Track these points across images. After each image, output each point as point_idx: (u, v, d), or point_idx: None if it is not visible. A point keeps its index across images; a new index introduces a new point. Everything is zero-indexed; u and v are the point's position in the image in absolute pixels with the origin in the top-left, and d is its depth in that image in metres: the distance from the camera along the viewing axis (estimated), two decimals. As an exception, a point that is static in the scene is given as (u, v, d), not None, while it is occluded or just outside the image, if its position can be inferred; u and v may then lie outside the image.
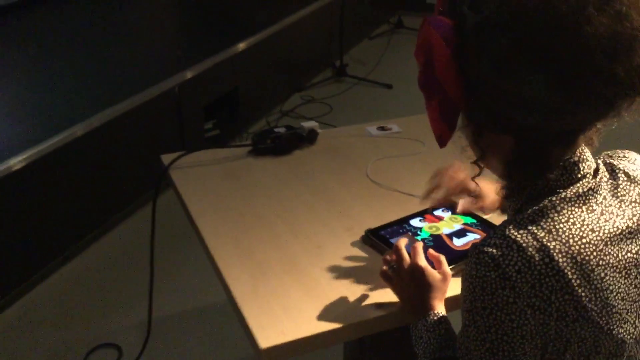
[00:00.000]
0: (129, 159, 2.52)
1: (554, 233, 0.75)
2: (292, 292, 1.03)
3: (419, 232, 1.17)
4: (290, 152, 1.52)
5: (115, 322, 1.97)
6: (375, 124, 1.68)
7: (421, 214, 1.21)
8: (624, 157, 0.88)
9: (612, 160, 0.87)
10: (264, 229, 1.21)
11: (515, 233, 0.75)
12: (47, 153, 2.02)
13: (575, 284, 0.74)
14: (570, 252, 0.75)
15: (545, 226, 0.76)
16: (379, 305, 1.01)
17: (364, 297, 1.02)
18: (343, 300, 1.02)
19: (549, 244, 0.74)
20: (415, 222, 1.20)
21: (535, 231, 0.75)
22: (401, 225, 1.18)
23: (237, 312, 1.01)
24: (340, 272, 1.09)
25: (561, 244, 0.75)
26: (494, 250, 0.74)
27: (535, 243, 0.74)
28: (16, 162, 1.92)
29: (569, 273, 0.74)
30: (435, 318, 0.93)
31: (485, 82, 0.74)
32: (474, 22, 0.74)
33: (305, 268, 1.09)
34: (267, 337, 0.94)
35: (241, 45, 3.06)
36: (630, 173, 0.85)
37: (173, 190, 1.41)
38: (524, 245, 0.74)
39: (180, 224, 1.52)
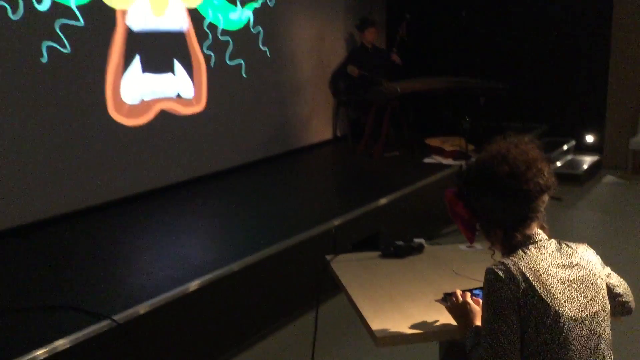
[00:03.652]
0: (296, 277, 3.50)
1: (523, 260, 1.57)
2: (409, 318, 1.87)
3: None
4: (404, 257, 2.39)
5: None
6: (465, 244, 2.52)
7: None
8: (572, 243, 1.68)
9: (562, 241, 1.66)
10: (389, 292, 2.07)
11: (505, 261, 1.58)
12: (233, 272, 3.02)
13: (532, 281, 1.53)
14: (530, 266, 1.55)
15: (517, 258, 1.58)
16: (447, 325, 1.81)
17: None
18: (433, 321, 1.84)
19: (520, 263, 1.56)
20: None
21: (514, 260, 1.57)
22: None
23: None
24: (432, 311, 1.90)
25: (526, 264, 1.56)
26: (495, 268, 1.57)
27: (513, 265, 1.56)
28: (205, 280, 2.92)
29: (530, 277, 1.54)
30: (474, 327, 1.72)
31: (475, 207, 1.65)
32: (462, 183, 1.67)
33: (418, 310, 1.92)
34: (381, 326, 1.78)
35: (383, 200, 4.10)
36: (572, 246, 1.64)
37: (333, 276, 2.32)
38: (509, 265, 1.56)
39: (341, 328, 2.28)
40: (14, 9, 3.53)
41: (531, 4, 6.68)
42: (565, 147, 6.57)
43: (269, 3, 5.41)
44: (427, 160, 5.42)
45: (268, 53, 5.46)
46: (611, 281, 1.73)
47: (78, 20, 3.88)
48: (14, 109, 3.60)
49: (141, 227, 3.81)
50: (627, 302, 1.75)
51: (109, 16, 4.10)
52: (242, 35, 5.16)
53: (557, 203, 5.44)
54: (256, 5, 5.28)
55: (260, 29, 5.34)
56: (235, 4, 5.09)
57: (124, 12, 4.19)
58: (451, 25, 6.73)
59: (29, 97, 3.67)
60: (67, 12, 3.80)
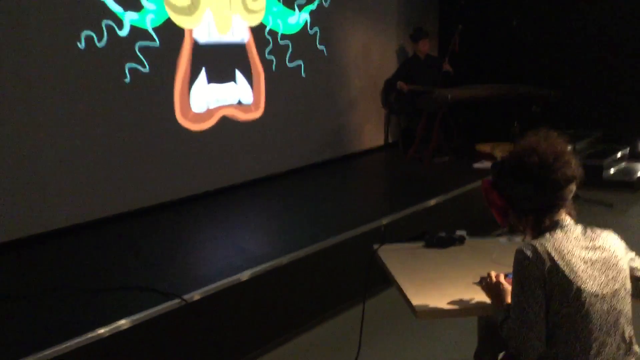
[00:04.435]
0: (345, 271, 3.73)
1: (549, 242, 1.74)
2: (448, 297, 2.08)
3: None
4: (446, 247, 2.59)
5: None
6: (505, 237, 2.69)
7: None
8: (597, 229, 1.84)
9: (587, 226, 1.83)
10: (430, 276, 2.28)
11: (533, 242, 1.76)
12: (285, 264, 3.28)
13: (557, 260, 1.71)
14: (556, 247, 1.73)
15: (545, 240, 1.75)
16: (481, 303, 2.00)
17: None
18: (470, 299, 2.03)
19: (546, 244, 1.74)
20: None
21: (541, 241, 1.75)
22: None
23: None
24: (469, 291, 2.10)
25: (552, 245, 1.73)
26: (523, 249, 1.75)
27: (540, 245, 1.74)
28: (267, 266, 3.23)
29: (555, 256, 1.71)
30: (506, 304, 1.90)
31: (508, 195, 1.83)
32: (497, 173, 1.86)
33: (457, 290, 2.12)
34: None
35: (431, 202, 4.28)
36: (597, 231, 1.81)
37: (379, 262, 2.53)
38: (536, 246, 1.74)
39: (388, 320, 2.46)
40: (99, 37, 3.94)
41: (582, 11, 6.71)
42: (619, 155, 6.55)
43: (324, 3, 5.68)
44: (477, 165, 5.55)
45: (325, 52, 5.73)
46: (635, 264, 1.87)
47: (154, 40, 4.27)
48: (102, 120, 4.02)
49: (206, 222, 4.13)
50: None
51: (179, 33, 4.47)
52: (300, 37, 5.45)
53: (609, 209, 5.47)
54: (312, 7, 5.57)
55: (317, 29, 5.62)
56: (293, 9, 5.40)
57: (191, 31, 4.55)
58: (502, 34, 6.84)
59: (114, 111, 4.09)
60: (144, 34, 4.20)
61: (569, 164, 1.80)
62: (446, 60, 6.31)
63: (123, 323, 2.60)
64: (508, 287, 1.93)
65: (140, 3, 4.16)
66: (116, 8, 4.02)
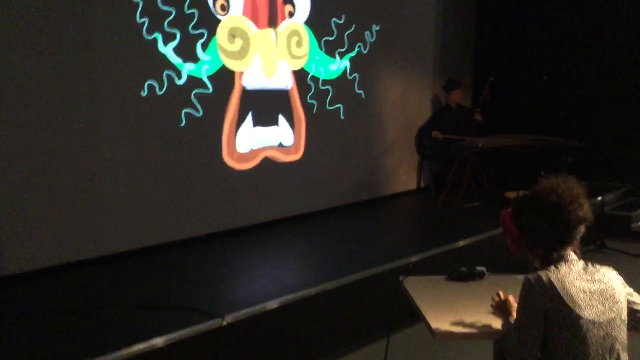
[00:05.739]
0: (373, 305, 3.95)
1: (554, 273, 1.98)
2: (465, 323, 2.32)
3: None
4: (467, 281, 2.83)
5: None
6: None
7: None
8: (598, 265, 2.08)
9: (589, 262, 2.07)
10: (450, 304, 2.52)
11: (539, 273, 2.00)
12: (312, 295, 3.53)
13: (559, 288, 1.94)
14: (559, 278, 1.97)
15: (550, 271, 1.99)
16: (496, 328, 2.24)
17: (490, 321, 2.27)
18: (485, 325, 2.27)
19: (551, 275, 1.98)
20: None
21: (547, 272, 1.99)
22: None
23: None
24: (485, 319, 2.33)
25: (555, 276, 1.97)
26: (530, 277, 2.00)
27: (545, 276, 1.98)
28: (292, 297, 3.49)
29: (558, 286, 1.95)
30: (509, 318, 2.14)
31: (524, 227, 2.09)
32: (517, 207, 2.12)
33: (473, 318, 2.36)
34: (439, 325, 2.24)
35: (460, 243, 4.52)
36: (597, 266, 2.05)
37: (404, 292, 2.78)
38: (542, 276, 1.98)
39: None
40: (161, 86, 4.40)
41: (612, 64, 6.93)
42: (649, 207, 6.65)
43: (363, 51, 6.06)
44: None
45: (363, 95, 6.09)
46: (632, 299, 2.10)
47: (208, 88, 4.71)
48: (159, 158, 4.46)
49: (247, 253, 4.46)
50: None
51: (230, 80, 4.90)
52: (340, 82, 5.83)
53: (636, 259, 5.57)
54: (352, 54, 5.96)
55: (356, 74, 6.00)
56: (334, 57, 5.79)
57: (241, 74, 4.98)
58: (534, 86, 7.11)
59: (169, 150, 4.52)
60: (199, 83, 4.65)
61: (582, 207, 2.04)
62: (478, 110, 6.59)
63: (158, 342, 2.90)
64: (514, 304, 2.18)
65: (196, 55, 4.62)
66: (176, 60, 4.47)
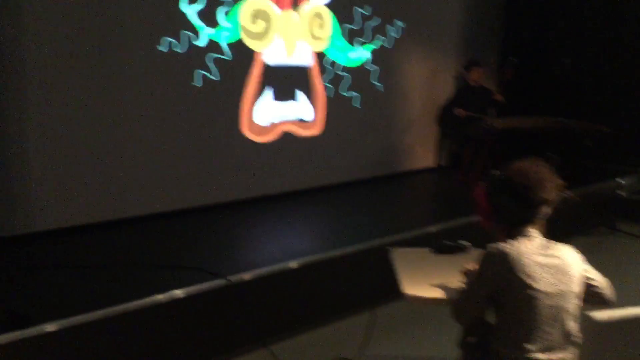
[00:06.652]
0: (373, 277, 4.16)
1: (513, 245, 2.16)
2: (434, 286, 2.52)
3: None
4: (451, 254, 3.01)
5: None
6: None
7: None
8: (558, 243, 2.24)
9: (549, 240, 2.23)
10: (428, 273, 2.71)
11: (500, 245, 2.18)
12: (316, 262, 3.76)
13: (515, 260, 2.12)
14: (517, 250, 2.14)
15: (510, 244, 2.17)
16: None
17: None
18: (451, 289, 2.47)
19: (510, 248, 2.15)
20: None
21: (506, 246, 2.16)
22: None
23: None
24: (453, 281, 2.53)
25: (514, 248, 2.15)
26: (491, 247, 2.18)
27: (504, 247, 2.16)
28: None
29: (515, 257, 2.12)
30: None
31: (494, 203, 2.26)
32: (490, 184, 2.29)
33: (445, 282, 2.56)
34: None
35: (468, 219, 4.66)
36: (556, 243, 2.21)
37: (391, 261, 2.97)
38: (501, 248, 2.16)
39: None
40: (179, 43, 4.63)
41: (636, 48, 6.86)
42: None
43: (386, 45, 6.19)
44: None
45: (382, 89, 6.23)
46: (589, 275, 2.25)
47: (227, 55, 4.93)
48: (174, 118, 4.69)
49: (260, 220, 4.72)
50: (602, 294, 2.26)
51: (250, 53, 5.11)
52: (359, 71, 5.99)
53: (636, 240, 5.63)
54: (375, 46, 6.09)
55: (377, 67, 6.14)
56: (355, 46, 5.94)
57: (261, 53, 5.18)
58: (557, 70, 7.10)
59: (185, 113, 4.75)
60: (218, 49, 4.86)
61: (545, 189, 2.20)
62: (499, 90, 6.64)
63: (178, 293, 3.19)
64: None
65: (217, 21, 4.82)
66: (197, 22, 4.69)
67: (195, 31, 4.68)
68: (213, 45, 4.82)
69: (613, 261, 5.06)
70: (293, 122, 5.55)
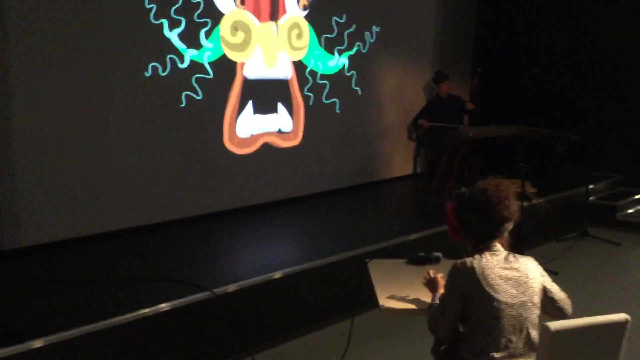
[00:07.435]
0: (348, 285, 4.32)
1: (478, 261, 2.33)
2: (409, 299, 2.68)
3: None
4: (424, 265, 3.17)
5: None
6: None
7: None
8: (520, 256, 2.41)
9: (511, 253, 2.41)
10: (401, 285, 2.88)
11: (466, 259, 2.35)
12: (298, 272, 3.92)
13: (479, 274, 2.29)
14: (481, 265, 2.31)
15: (475, 259, 2.34)
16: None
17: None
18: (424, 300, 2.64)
19: (474, 262, 2.33)
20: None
21: (471, 260, 2.34)
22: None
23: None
24: (426, 292, 2.70)
25: (478, 263, 2.32)
26: (458, 262, 2.35)
27: (469, 262, 2.33)
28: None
29: (479, 271, 2.30)
30: (439, 295, 2.50)
31: (461, 219, 2.44)
32: (458, 201, 2.47)
33: (418, 293, 2.73)
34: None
35: (442, 227, 4.85)
36: (518, 257, 2.39)
37: (368, 279, 3.13)
38: (467, 262, 2.33)
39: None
40: (164, 68, 4.76)
41: (603, 58, 7.13)
42: (637, 197, 6.89)
43: (362, 50, 6.37)
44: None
45: (360, 92, 6.41)
46: (549, 288, 2.42)
47: (208, 74, 5.07)
48: (160, 137, 4.82)
49: (240, 231, 4.86)
50: (561, 307, 2.43)
51: (231, 68, 5.25)
52: (337, 78, 6.16)
53: (616, 247, 5.85)
54: (351, 52, 6.26)
55: (354, 72, 6.32)
56: (333, 54, 6.10)
57: (242, 64, 5.32)
58: (527, 80, 7.36)
59: (169, 131, 4.88)
60: (201, 68, 5.00)
61: (507, 208, 2.38)
62: (469, 99, 6.87)
63: (164, 306, 3.32)
64: (441, 282, 2.57)
65: (200, 42, 4.96)
66: (180, 45, 4.83)
67: (179, 54, 4.82)
68: (196, 66, 4.96)
69: (584, 266, 5.31)
70: (273, 134, 5.70)
